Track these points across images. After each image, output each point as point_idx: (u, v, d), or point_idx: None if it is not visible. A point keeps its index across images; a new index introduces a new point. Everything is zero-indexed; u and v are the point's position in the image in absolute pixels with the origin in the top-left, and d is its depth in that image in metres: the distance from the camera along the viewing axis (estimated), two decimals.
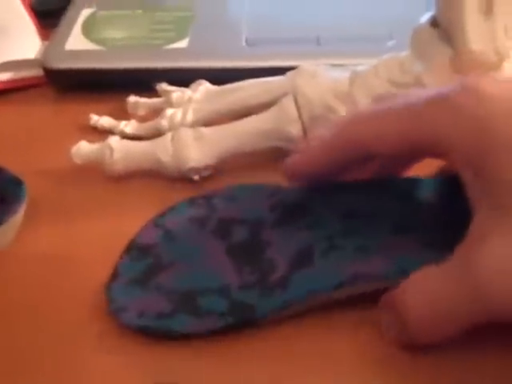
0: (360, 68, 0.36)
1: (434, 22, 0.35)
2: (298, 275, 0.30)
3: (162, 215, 0.34)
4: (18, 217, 0.35)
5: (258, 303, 0.29)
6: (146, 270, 0.32)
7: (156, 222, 0.34)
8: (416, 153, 0.30)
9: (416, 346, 0.28)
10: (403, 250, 0.29)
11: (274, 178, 0.36)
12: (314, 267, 0.30)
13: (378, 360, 0.28)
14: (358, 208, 0.32)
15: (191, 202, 0.35)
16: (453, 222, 0.30)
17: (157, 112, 0.41)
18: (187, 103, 0.39)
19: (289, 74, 0.38)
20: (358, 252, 0.30)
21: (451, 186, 0.31)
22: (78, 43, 0.46)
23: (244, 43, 0.45)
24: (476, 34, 0.32)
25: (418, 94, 0.28)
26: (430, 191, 0.32)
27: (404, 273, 0.28)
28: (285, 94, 0.37)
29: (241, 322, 0.29)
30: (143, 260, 0.32)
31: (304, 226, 0.32)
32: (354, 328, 0.30)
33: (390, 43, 0.43)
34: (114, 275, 0.32)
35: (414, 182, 0.33)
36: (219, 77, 0.42)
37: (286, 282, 0.29)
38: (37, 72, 0.46)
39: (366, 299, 0.29)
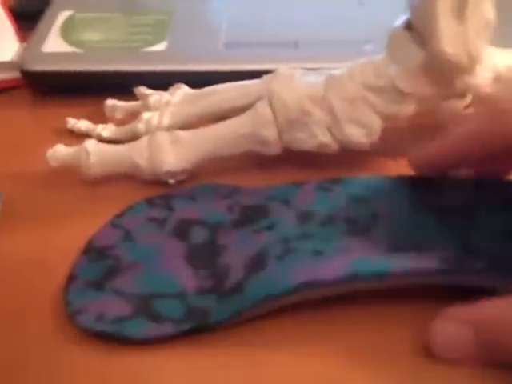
0: (335, 72, 0.36)
1: (409, 26, 0.35)
2: (252, 280, 0.29)
3: (121, 215, 0.34)
4: None
5: (215, 309, 0.29)
6: (104, 273, 0.31)
7: (114, 222, 0.34)
8: None
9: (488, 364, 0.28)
10: (356, 253, 0.29)
11: (251, 183, 0.36)
12: (268, 271, 0.29)
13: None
14: (314, 210, 0.32)
15: (149, 201, 0.35)
16: (412, 224, 0.31)
17: (134, 115, 0.41)
18: (164, 106, 0.39)
19: (265, 77, 0.38)
20: (312, 256, 0.29)
21: (407, 187, 0.32)
22: (56, 45, 0.46)
23: (222, 46, 0.45)
24: (449, 37, 0.32)
25: None
26: (387, 191, 0.33)
27: (356, 277, 0.28)
28: (261, 98, 0.37)
29: (197, 328, 0.29)
30: (101, 262, 0.32)
31: (261, 228, 0.32)
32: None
33: (368, 47, 0.43)
34: (71, 277, 0.32)
35: (371, 182, 0.33)
36: (197, 80, 0.41)
37: (241, 288, 0.29)
38: (14, 74, 0.45)
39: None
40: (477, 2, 0.32)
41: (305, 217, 0.32)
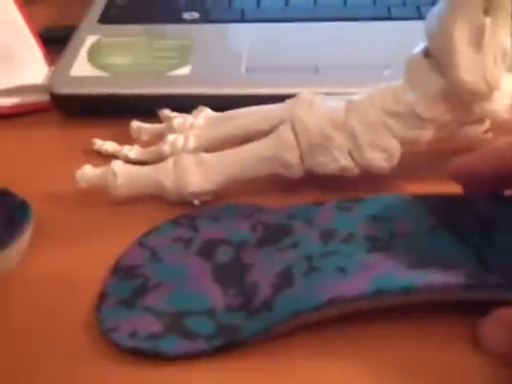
0: (355, 97, 0.37)
1: (427, 53, 0.36)
2: (280, 297, 0.30)
3: (147, 235, 0.36)
4: (25, 239, 0.36)
5: (245, 325, 0.30)
6: (133, 291, 0.33)
7: (141, 242, 0.35)
8: None
9: None
10: (379, 269, 0.30)
11: (273, 204, 0.37)
12: (295, 289, 0.30)
13: None
14: (336, 227, 0.33)
15: (175, 221, 0.36)
16: (430, 241, 0.32)
17: (159, 137, 0.42)
18: (189, 129, 0.41)
19: (287, 101, 0.39)
20: (336, 273, 0.30)
21: (424, 206, 0.33)
22: (83, 69, 0.47)
23: (244, 71, 0.46)
24: (467, 65, 0.33)
25: None
26: (405, 209, 0.34)
27: (380, 292, 0.29)
28: (283, 122, 0.38)
29: (228, 344, 0.30)
30: (131, 280, 0.33)
31: (285, 246, 0.33)
32: None
33: (387, 72, 0.44)
34: (103, 296, 0.33)
35: (388, 200, 0.34)
36: (220, 103, 0.43)
37: (270, 305, 0.30)
38: (43, 97, 0.47)
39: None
40: (493, 31, 0.33)
41: (327, 235, 0.33)
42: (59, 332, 0.32)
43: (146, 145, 0.42)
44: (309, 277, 0.31)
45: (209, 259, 0.34)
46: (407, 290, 0.29)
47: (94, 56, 0.49)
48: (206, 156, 0.38)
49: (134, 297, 0.32)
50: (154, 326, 0.31)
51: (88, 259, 0.36)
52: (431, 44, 0.35)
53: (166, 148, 0.40)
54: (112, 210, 0.39)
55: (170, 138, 0.41)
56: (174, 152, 0.40)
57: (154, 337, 0.30)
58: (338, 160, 0.37)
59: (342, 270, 0.31)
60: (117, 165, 0.39)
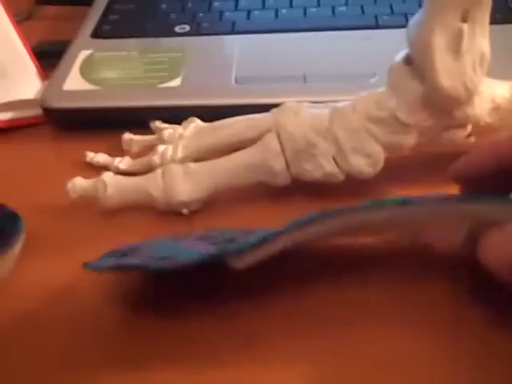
0: (339, 104, 0.38)
1: (408, 60, 0.36)
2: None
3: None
4: (16, 250, 0.36)
5: (229, 246, 0.30)
6: (118, 255, 0.33)
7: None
8: None
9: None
10: None
11: (261, 213, 0.38)
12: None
13: None
14: None
15: None
16: None
17: (150, 148, 0.42)
18: (178, 140, 0.41)
19: (273, 110, 0.40)
20: None
21: None
22: (75, 83, 0.48)
23: (233, 82, 0.47)
24: (445, 71, 0.34)
25: None
26: None
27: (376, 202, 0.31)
28: (268, 130, 0.38)
29: (214, 258, 0.30)
30: (112, 255, 0.34)
31: None
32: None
33: (373, 80, 0.45)
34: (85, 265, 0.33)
35: None
36: (210, 114, 0.43)
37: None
38: (36, 112, 0.48)
39: None
40: (472, 36, 0.34)
41: None
42: (49, 343, 0.33)
43: (137, 156, 0.43)
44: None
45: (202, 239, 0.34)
46: (404, 201, 0.30)
47: (86, 70, 0.49)
48: (193, 165, 0.39)
49: (120, 255, 0.33)
50: (141, 259, 0.31)
51: (79, 271, 0.36)
52: (412, 51, 0.36)
53: (155, 158, 0.41)
54: (103, 222, 0.39)
55: (160, 148, 0.41)
56: (164, 162, 0.40)
57: (143, 260, 0.31)
58: (323, 166, 0.37)
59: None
60: (107, 176, 0.39)
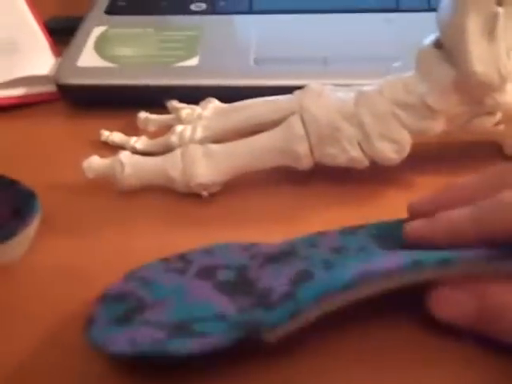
0: (365, 88, 0.37)
1: (438, 44, 0.35)
2: (302, 287, 0.27)
3: (135, 270, 0.32)
4: (31, 229, 0.35)
5: (264, 317, 0.27)
6: (127, 311, 0.29)
7: (129, 275, 0.31)
8: None
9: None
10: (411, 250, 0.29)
11: (281, 197, 0.37)
12: (319, 277, 0.28)
13: None
14: (346, 245, 0.31)
15: (164, 258, 0.33)
16: None
17: (167, 128, 0.42)
18: (196, 120, 0.40)
19: (296, 92, 0.39)
20: (363, 261, 0.28)
21: None
22: (90, 60, 0.47)
23: (252, 62, 0.46)
24: (479, 57, 0.33)
25: None
26: None
27: (419, 264, 0.27)
28: (292, 113, 0.37)
29: (247, 337, 0.27)
30: (121, 303, 0.29)
31: (293, 261, 0.30)
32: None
33: (396, 64, 0.44)
34: (90, 320, 0.29)
35: (396, 224, 0.32)
36: (228, 95, 0.42)
37: (292, 294, 0.27)
38: (50, 88, 0.47)
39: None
40: (507, 22, 0.33)
41: (338, 249, 0.31)
42: (65, 322, 0.32)
43: (153, 136, 0.42)
44: (332, 268, 0.28)
45: (209, 279, 0.30)
46: (446, 261, 0.27)
47: (101, 47, 0.48)
48: (214, 147, 0.38)
49: (129, 314, 0.28)
50: (157, 334, 0.27)
51: (95, 250, 0.36)
52: (443, 35, 0.35)
53: (173, 139, 0.40)
54: (119, 201, 0.39)
55: (178, 128, 0.40)
56: (182, 143, 0.39)
57: (158, 341, 0.27)
58: (348, 151, 0.36)
59: (368, 260, 0.28)
60: (124, 155, 0.38)
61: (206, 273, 0.31)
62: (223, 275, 0.30)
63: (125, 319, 0.28)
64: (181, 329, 0.27)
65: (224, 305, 0.28)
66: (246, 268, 0.31)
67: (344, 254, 0.30)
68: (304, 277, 0.28)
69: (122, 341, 0.27)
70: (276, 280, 0.29)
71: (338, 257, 0.30)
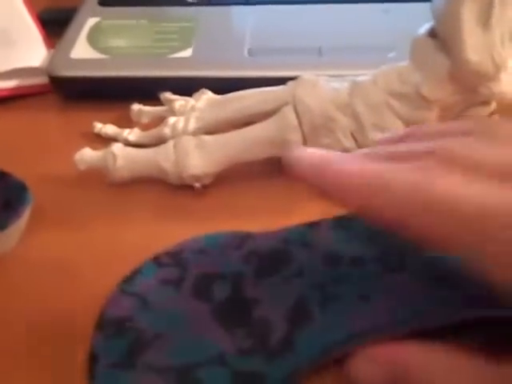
0: (359, 78, 0.37)
1: (433, 33, 0.35)
2: (301, 333, 0.28)
3: (130, 280, 0.31)
4: (22, 221, 0.35)
5: (266, 370, 0.27)
6: (128, 349, 0.28)
7: (124, 290, 0.31)
8: None
9: None
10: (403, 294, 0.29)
11: (275, 188, 0.37)
12: (316, 322, 0.28)
13: None
14: (338, 250, 0.31)
15: (157, 261, 0.32)
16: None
17: (160, 120, 0.41)
18: (190, 111, 0.40)
19: (290, 83, 0.38)
20: (358, 301, 0.29)
21: None
22: (83, 52, 0.47)
23: (246, 53, 0.46)
24: (473, 46, 0.33)
25: None
26: None
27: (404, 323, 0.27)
28: (286, 104, 0.37)
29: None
30: (122, 337, 0.29)
31: (289, 276, 0.30)
32: None
33: (391, 54, 0.44)
34: (93, 358, 0.28)
35: None
36: (222, 86, 0.42)
37: (292, 343, 0.28)
38: (42, 80, 0.46)
39: None
40: (502, 10, 0.33)
41: (331, 259, 0.31)
42: (57, 314, 0.32)
43: (146, 128, 0.42)
44: (326, 307, 0.28)
45: (206, 300, 0.30)
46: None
47: (94, 38, 0.48)
48: (207, 138, 0.37)
49: (130, 356, 0.28)
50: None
51: (86, 242, 0.35)
52: (438, 24, 0.35)
53: (166, 130, 0.40)
54: (111, 193, 0.38)
55: (171, 120, 0.40)
56: (175, 134, 0.39)
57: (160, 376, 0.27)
58: (341, 142, 0.36)
59: (364, 298, 0.29)
60: (116, 147, 0.38)
61: (203, 287, 0.31)
62: (219, 291, 0.30)
63: (128, 362, 0.28)
64: (182, 376, 0.27)
65: (223, 341, 0.28)
66: (241, 276, 0.31)
67: (340, 274, 0.30)
68: (302, 316, 0.29)
69: None
70: (272, 308, 0.29)
71: (334, 281, 0.30)
